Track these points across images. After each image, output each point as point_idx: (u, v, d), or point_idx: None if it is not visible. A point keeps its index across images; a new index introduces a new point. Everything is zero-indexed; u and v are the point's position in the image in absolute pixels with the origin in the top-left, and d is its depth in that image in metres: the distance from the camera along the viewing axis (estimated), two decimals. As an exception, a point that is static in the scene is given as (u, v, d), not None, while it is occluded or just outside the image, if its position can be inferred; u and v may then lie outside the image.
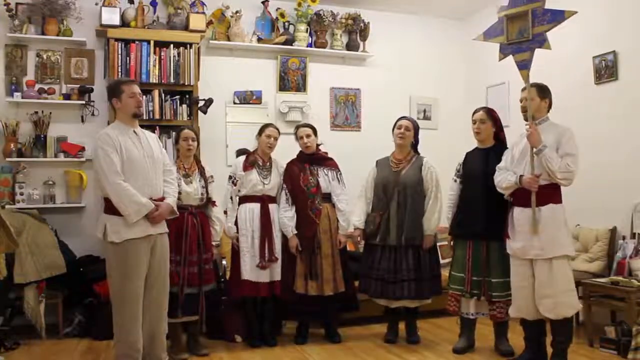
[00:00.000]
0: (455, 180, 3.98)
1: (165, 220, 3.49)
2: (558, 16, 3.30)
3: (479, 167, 3.81)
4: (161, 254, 3.30)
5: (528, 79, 3.41)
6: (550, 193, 3.35)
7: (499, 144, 3.89)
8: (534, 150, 3.31)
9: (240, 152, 4.41)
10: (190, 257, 3.80)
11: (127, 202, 3.09)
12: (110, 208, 3.14)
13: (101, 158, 3.10)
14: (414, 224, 4.01)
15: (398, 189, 4.05)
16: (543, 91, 3.47)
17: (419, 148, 4.32)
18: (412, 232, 4.00)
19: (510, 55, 3.47)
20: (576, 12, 3.27)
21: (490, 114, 3.90)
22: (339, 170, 4.27)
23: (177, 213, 3.44)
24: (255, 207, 4.09)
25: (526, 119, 3.47)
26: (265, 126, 4.23)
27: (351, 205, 4.24)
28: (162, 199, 3.29)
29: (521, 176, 3.37)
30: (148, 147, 3.29)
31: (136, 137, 3.28)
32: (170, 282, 3.63)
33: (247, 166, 4.12)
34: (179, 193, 3.74)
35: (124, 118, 3.29)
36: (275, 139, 4.18)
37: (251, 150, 4.29)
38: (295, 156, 4.32)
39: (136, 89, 3.29)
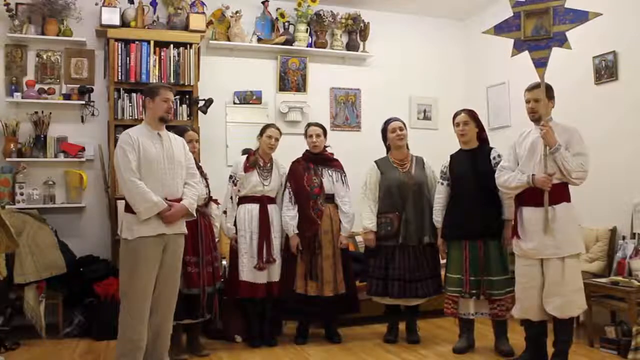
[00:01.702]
0: (442, 183, 3.98)
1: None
2: (581, 16, 3.26)
3: (468, 167, 3.82)
4: (173, 254, 3.31)
5: (544, 77, 3.36)
6: (562, 192, 3.34)
7: (483, 144, 3.92)
8: (550, 149, 3.27)
9: (245, 152, 4.40)
10: (206, 257, 3.84)
11: (139, 200, 3.14)
12: (128, 206, 3.21)
13: (119, 156, 3.19)
14: (432, 223, 4.04)
15: (413, 189, 4.06)
16: (549, 91, 3.44)
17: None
18: (433, 230, 4.04)
19: (527, 52, 3.41)
20: (601, 14, 3.24)
21: (472, 115, 3.92)
22: (344, 172, 4.26)
23: (195, 215, 3.46)
24: (254, 207, 4.09)
25: (533, 120, 3.43)
26: (266, 127, 4.22)
27: (354, 207, 4.23)
28: (179, 201, 3.31)
29: (533, 175, 3.33)
30: (169, 149, 3.32)
31: (159, 138, 3.32)
32: (191, 284, 3.71)
33: (248, 167, 4.12)
34: None
35: (151, 119, 3.34)
36: (277, 139, 4.18)
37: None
38: (296, 156, 4.31)
39: (171, 96, 3.39)
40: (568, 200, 3.37)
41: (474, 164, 3.80)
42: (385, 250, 4.07)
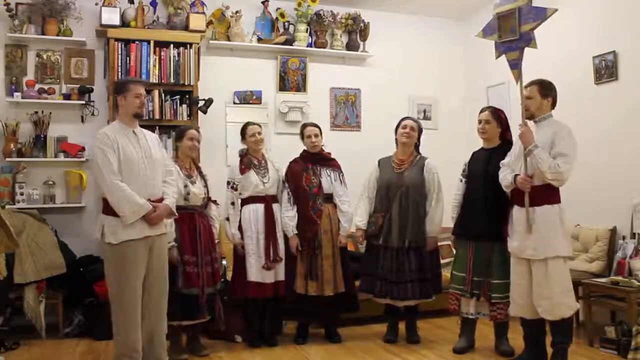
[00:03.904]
0: (461, 180, 3.98)
1: (175, 221, 3.50)
2: (540, 14, 3.29)
3: (481, 167, 3.81)
4: (160, 255, 3.27)
5: (520, 78, 3.40)
6: (547, 193, 3.33)
7: (505, 144, 3.86)
8: (525, 150, 3.30)
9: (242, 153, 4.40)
10: (205, 257, 3.82)
11: (124, 203, 3.06)
12: (108, 208, 3.12)
13: (99, 158, 3.10)
14: (416, 227, 4.02)
15: (401, 191, 4.05)
16: (545, 89, 3.43)
17: (420, 149, 4.33)
18: (415, 234, 4.01)
19: (503, 54, 3.46)
20: (557, 10, 3.27)
21: (496, 114, 3.89)
22: (341, 172, 4.27)
23: (176, 214, 3.42)
24: (259, 207, 4.08)
25: (528, 117, 3.45)
26: (244, 127, 4.20)
27: (353, 206, 4.23)
28: (160, 200, 3.26)
29: (516, 175, 3.37)
30: (147, 148, 3.26)
31: (135, 137, 3.25)
32: (190, 284, 3.70)
33: (244, 168, 4.11)
34: (187, 194, 3.77)
35: (125, 117, 3.27)
36: (259, 133, 4.17)
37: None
38: (296, 156, 4.31)
39: (142, 90, 3.30)
40: (553, 202, 3.34)
41: (487, 164, 3.77)
42: (374, 249, 4.11)
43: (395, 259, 4.01)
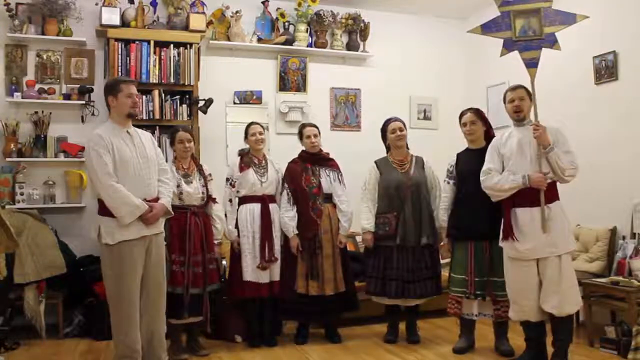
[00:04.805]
0: (448, 182, 3.97)
1: (167, 220, 3.48)
2: (569, 18, 3.33)
3: (475, 167, 3.78)
4: (157, 254, 3.27)
5: (534, 77, 3.39)
6: (555, 190, 3.39)
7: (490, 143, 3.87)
8: (545, 149, 3.29)
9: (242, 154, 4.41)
10: (195, 257, 3.80)
11: (120, 204, 3.05)
12: (104, 209, 3.11)
13: (93, 159, 3.07)
14: (431, 224, 4.05)
15: (411, 190, 4.06)
16: (529, 93, 3.48)
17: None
18: (431, 231, 4.04)
19: (516, 52, 3.44)
20: (588, 17, 3.30)
21: (479, 114, 3.91)
22: (340, 172, 4.27)
23: (172, 213, 3.41)
24: (256, 207, 4.09)
25: (516, 119, 3.48)
26: (248, 127, 4.23)
27: (352, 206, 4.23)
28: (156, 199, 3.25)
29: (528, 175, 3.33)
30: (141, 147, 3.25)
31: (129, 137, 3.23)
32: (175, 282, 3.68)
33: (243, 167, 4.12)
34: (181, 193, 3.77)
35: (118, 117, 3.25)
36: (261, 133, 4.19)
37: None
38: (295, 156, 4.31)
39: (134, 89, 3.26)
40: (558, 199, 3.41)
41: (480, 163, 3.73)
42: (384, 251, 4.08)
43: (412, 259, 4.01)
